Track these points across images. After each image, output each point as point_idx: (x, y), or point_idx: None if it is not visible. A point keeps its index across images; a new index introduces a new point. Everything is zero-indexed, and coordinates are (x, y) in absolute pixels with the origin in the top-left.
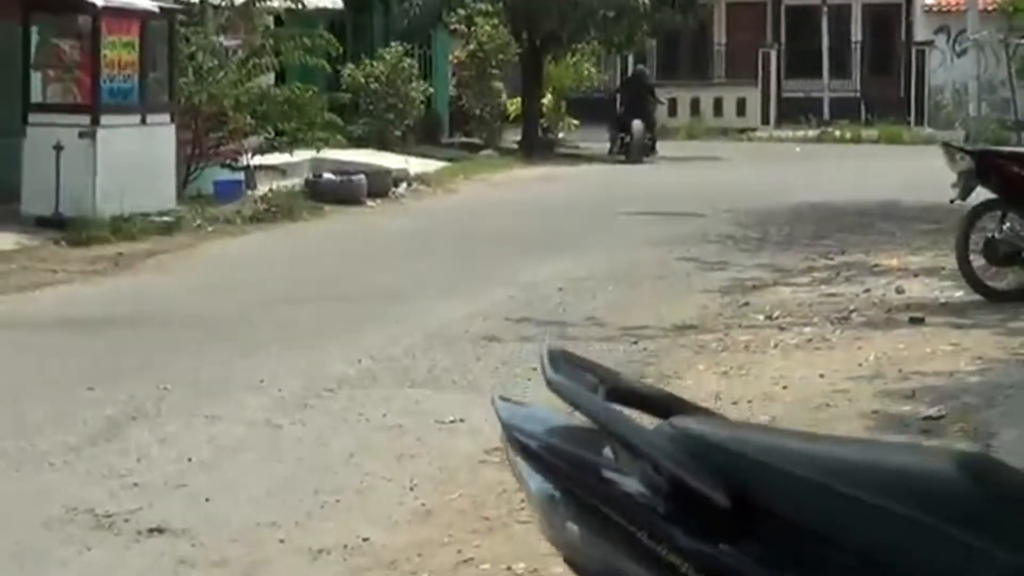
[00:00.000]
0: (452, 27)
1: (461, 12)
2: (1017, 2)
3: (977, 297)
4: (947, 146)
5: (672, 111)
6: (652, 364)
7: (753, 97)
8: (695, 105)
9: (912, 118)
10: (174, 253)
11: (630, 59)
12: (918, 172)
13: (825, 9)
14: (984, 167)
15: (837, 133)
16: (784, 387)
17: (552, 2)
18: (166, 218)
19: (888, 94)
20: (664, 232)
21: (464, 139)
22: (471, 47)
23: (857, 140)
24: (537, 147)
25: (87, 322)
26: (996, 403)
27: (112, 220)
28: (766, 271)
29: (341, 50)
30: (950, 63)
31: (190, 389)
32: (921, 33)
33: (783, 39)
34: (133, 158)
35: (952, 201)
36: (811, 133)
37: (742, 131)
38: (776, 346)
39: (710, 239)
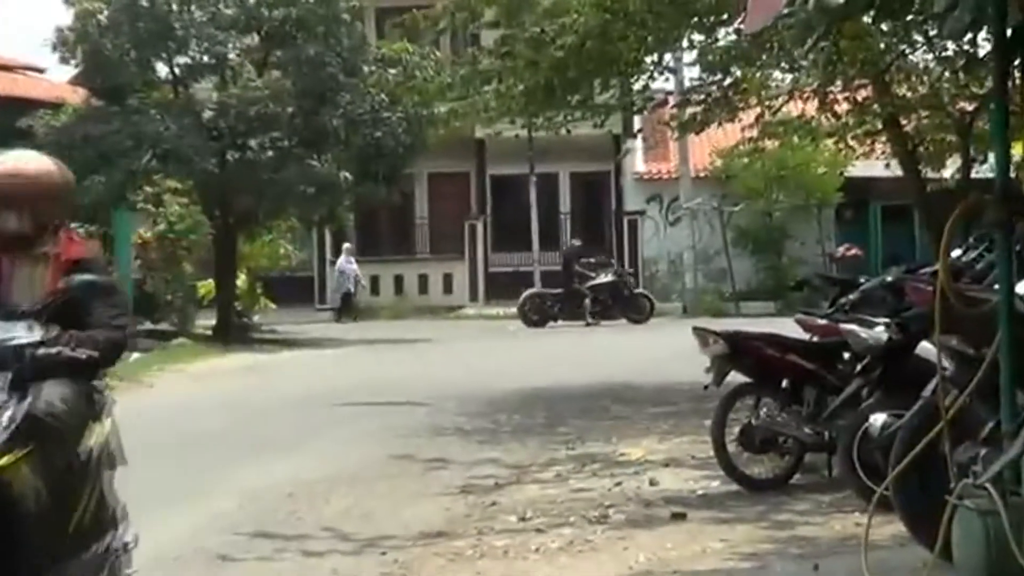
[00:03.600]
0: (138, 206)
1: (148, 189)
2: (729, 169)
3: (735, 487)
4: (699, 330)
5: (375, 289)
6: None
7: (460, 272)
8: (399, 282)
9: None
10: None
11: (327, 234)
12: (644, 349)
13: (533, 179)
14: (737, 350)
15: None
16: None
17: (248, 179)
18: None
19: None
20: (389, 425)
21: (152, 326)
22: (160, 227)
23: None
24: (233, 332)
25: None
26: None
27: None
28: (506, 466)
29: None
30: (664, 233)
31: None
32: (632, 202)
33: (489, 210)
34: None
35: (706, 387)
36: None
37: (450, 309)
38: (538, 550)
39: (440, 431)
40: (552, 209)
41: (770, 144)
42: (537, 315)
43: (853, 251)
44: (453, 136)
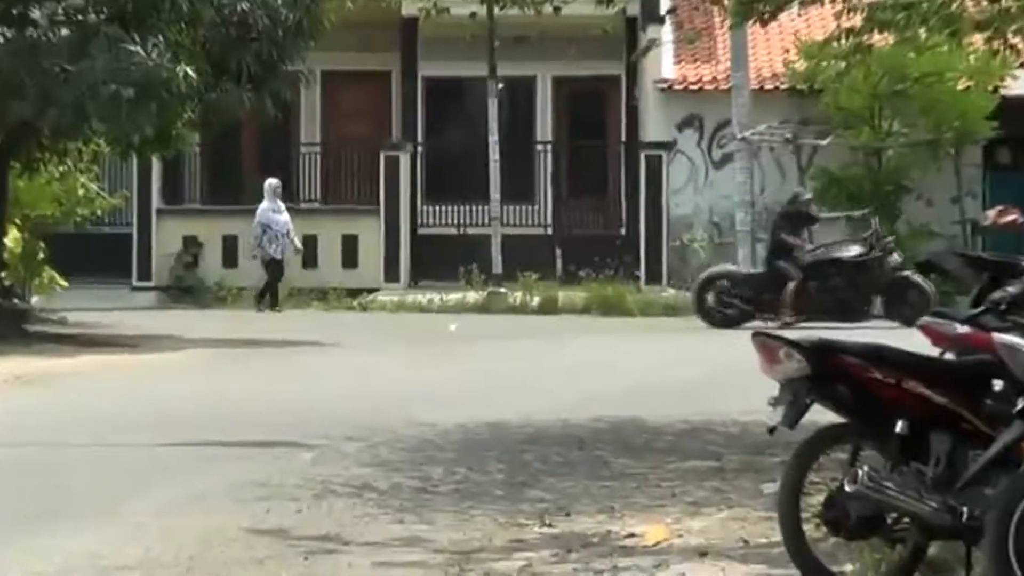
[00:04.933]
0: None
1: None
2: (814, 79)
3: None
4: (763, 337)
5: (231, 259)
6: None
7: (371, 235)
8: None
9: (643, 271)
10: None
11: (155, 166)
12: (662, 366)
13: (498, 86)
14: (825, 371)
15: (516, 297)
16: None
17: (27, 73)
18: None
19: (601, 231)
20: (253, 478)
21: None
22: None
23: (552, 309)
24: None
25: None
26: None
27: None
28: (442, 549)
29: None
30: (705, 179)
31: None
32: (656, 128)
33: (421, 135)
34: None
35: (772, 430)
36: (472, 297)
37: (354, 293)
38: None
39: (335, 490)
40: (524, 135)
41: (881, 40)
42: (723, 310)
43: (1012, 216)
44: (366, 14)
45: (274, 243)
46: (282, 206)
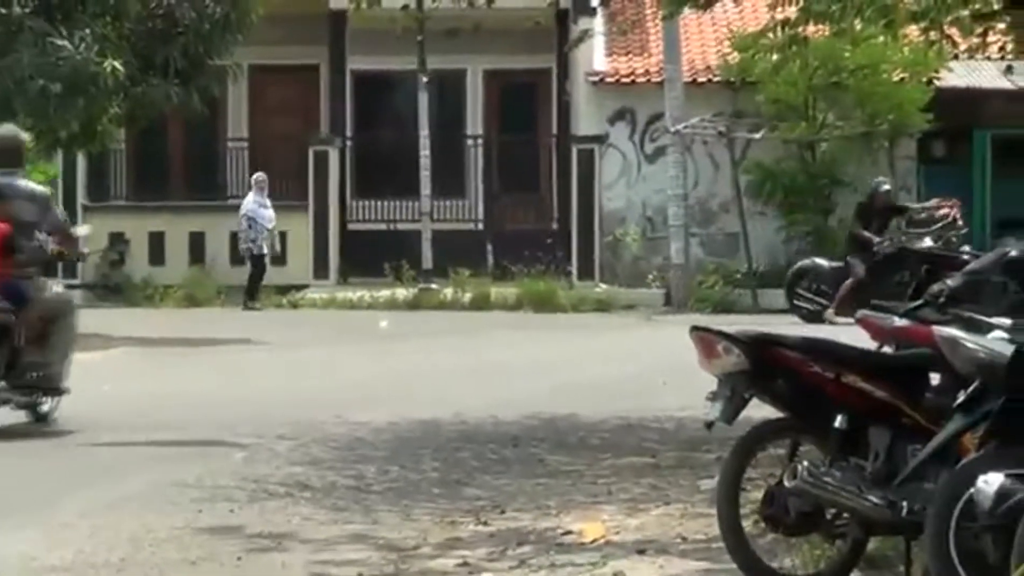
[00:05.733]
0: None
1: None
2: (747, 71)
3: None
4: (702, 331)
5: (156, 255)
6: None
7: (300, 231)
8: (197, 245)
9: (575, 266)
10: None
11: (80, 161)
12: (595, 362)
13: (424, 79)
14: (763, 366)
15: (447, 293)
16: None
17: None
18: None
19: (532, 225)
20: (182, 478)
21: None
22: None
23: (483, 305)
24: None
25: None
26: None
27: None
28: (379, 546)
29: None
30: (637, 173)
31: None
32: (587, 121)
33: (350, 129)
34: None
35: (709, 425)
36: (402, 294)
37: (283, 290)
38: None
39: (268, 488)
40: (454, 129)
41: (816, 31)
42: (807, 306)
43: (946, 209)
44: (294, 7)
45: (259, 238)
46: (268, 201)
